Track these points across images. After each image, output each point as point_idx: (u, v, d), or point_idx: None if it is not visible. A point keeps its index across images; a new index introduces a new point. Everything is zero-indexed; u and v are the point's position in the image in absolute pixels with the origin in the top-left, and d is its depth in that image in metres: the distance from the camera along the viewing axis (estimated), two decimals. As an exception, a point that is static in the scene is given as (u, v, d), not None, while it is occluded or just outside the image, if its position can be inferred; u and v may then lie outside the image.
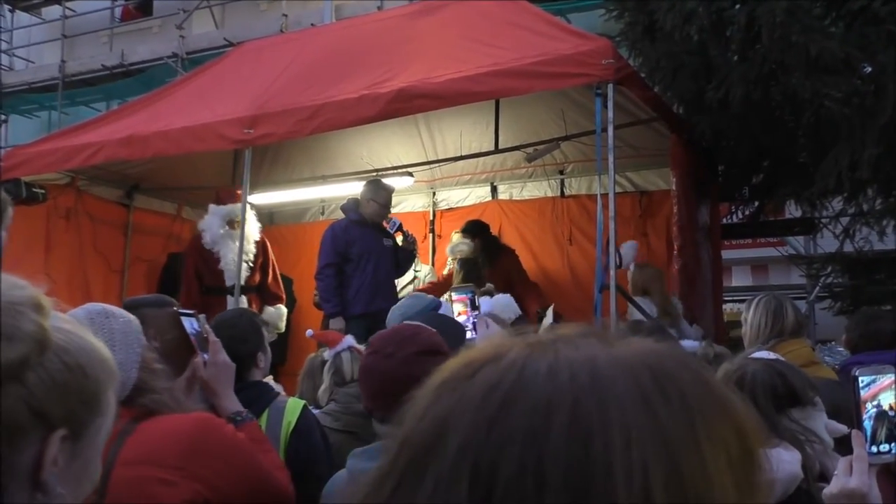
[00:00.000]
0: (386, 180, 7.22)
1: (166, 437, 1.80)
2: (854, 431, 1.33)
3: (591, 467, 0.49)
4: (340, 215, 8.23)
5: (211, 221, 6.22)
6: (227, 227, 6.17)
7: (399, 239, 6.23)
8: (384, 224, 6.11)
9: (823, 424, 2.22)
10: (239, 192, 6.17)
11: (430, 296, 3.64)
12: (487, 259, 6.55)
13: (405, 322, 2.33)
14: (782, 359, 2.52)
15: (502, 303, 4.33)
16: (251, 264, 6.23)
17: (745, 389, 2.21)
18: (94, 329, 1.79)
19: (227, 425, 2.00)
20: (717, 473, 0.52)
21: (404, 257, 6.25)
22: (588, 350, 0.57)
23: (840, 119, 4.58)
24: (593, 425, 0.51)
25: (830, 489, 1.33)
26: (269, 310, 6.50)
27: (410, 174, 7.18)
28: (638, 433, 0.50)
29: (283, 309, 6.60)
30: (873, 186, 5.35)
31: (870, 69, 4.61)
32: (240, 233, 5.84)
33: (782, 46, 4.56)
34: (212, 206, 6.37)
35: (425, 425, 0.56)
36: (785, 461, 2.08)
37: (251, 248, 6.14)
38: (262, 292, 6.54)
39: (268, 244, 6.50)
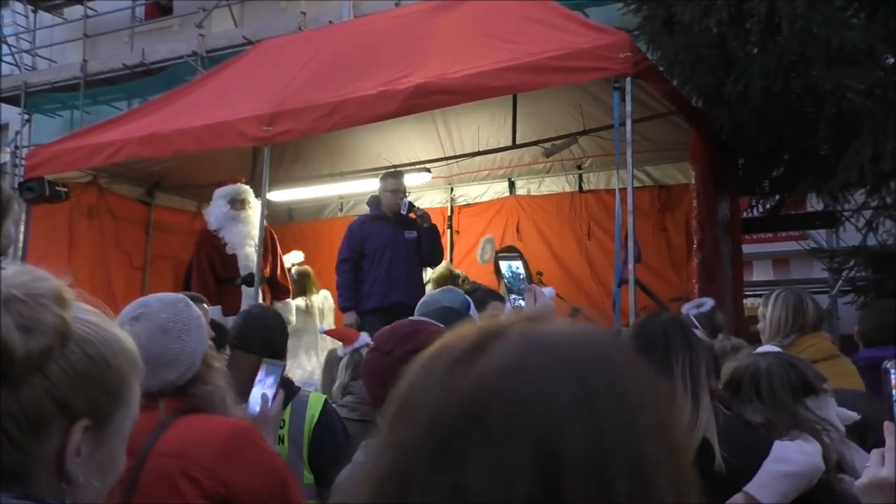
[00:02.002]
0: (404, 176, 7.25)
1: (204, 437, 1.82)
2: (887, 423, 1.33)
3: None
4: (358, 212, 8.30)
5: (214, 204, 6.12)
6: (229, 208, 6.04)
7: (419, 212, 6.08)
8: (402, 212, 5.94)
9: (835, 412, 2.27)
10: (240, 177, 6.20)
11: (460, 292, 3.60)
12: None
13: (410, 318, 2.33)
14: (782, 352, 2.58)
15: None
16: (256, 248, 6.12)
17: (763, 383, 2.25)
18: (176, 313, 1.88)
19: (265, 440, 2.02)
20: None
21: (427, 238, 6.08)
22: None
23: (862, 111, 4.53)
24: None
25: (862, 480, 1.33)
26: (278, 304, 6.44)
27: (428, 170, 7.18)
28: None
29: (292, 303, 6.55)
30: (896, 179, 5.30)
31: (892, 60, 4.56)
32: (243, 216, 5.87)
33: (803, 38, 4.52)
34: (215, 192, 6.22)
35: (460, 398, 0.57)
36: (808, 453, 2.10)
37: (255, 234, 6.05)
38: (271, 285, 6.48)
39: (275, 236, 6.44)
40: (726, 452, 2.07)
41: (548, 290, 4.33)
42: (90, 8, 13.09)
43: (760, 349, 2.71)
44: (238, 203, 6.06)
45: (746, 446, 2.16)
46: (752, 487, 2.08)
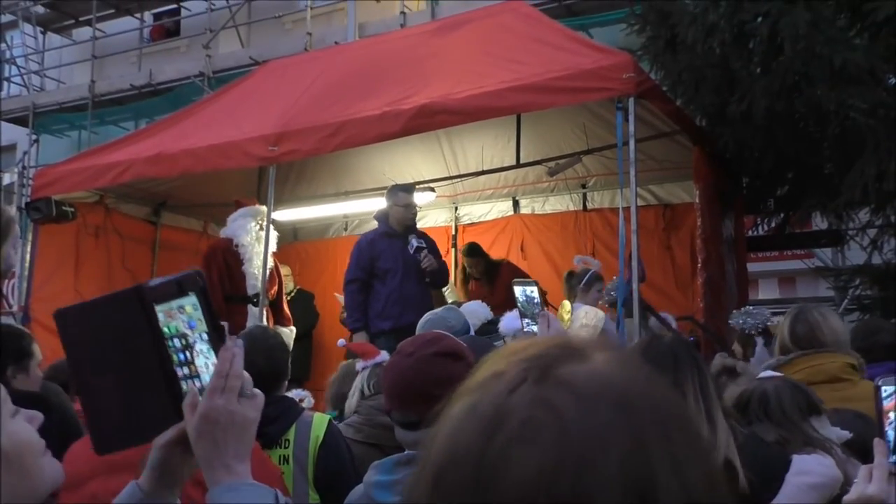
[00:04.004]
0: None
1: None
2: (876, 440, 1.35)
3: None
4: (363, 231, 8.31)
5: (242, 221, 6.01)
6: (258, 228, 5.97)
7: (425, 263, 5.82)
8: (410, 251, 5.77)
9: (833, 434, 2.31)
10: (255, 199, 6.19)
11: (461, 312, 3.61)
12: (488, 280, 6.57)
13: (432, 330, 2.35)
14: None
15: (471, 309, 4.32)
16: (269, 269, 6.09)
17: (773, 405, 2.28)
18: None
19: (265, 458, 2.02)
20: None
21: (432, 280, 5.93)
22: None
23: (866, 130, 4.54)
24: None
25: (850, 496, 1.34)
26: (283, 330, 6.36)
27: (432, 189, 7.21)
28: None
29: (289, 332, 6.47)
30: (900, 198, 5.30)
31: (895, 81, 4.58)
32: (263, 238, 5.84)
33: (805, 58, 4.55)
34: (239, 211, 6.12)
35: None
36: (828, 465, 2.13)
37: (270, 258, 6.05)
38: (274, 309, 6.42)
39: (277, 264, 6.39)
40: (747, 470, 2.07)
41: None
42: (98, 29, 13.22)
43: (761, 374, 2.71)
44: (262, 224, 6.00)
45: (767, 462, 2.16)
46: (779, 501, 2.08)
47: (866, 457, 1.44)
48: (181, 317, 1.07)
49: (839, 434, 2.37)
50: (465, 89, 4.90)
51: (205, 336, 1.07)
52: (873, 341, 3.32)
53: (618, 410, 0.57)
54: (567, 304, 4.03)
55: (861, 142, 4.64)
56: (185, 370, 1.09)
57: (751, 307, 5.00)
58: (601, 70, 4.54)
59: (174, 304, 1.07)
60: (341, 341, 4.24)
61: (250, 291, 5.94)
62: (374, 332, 5.73)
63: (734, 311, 4.97)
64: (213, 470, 1.05)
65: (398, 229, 5.80)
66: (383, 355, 3.56)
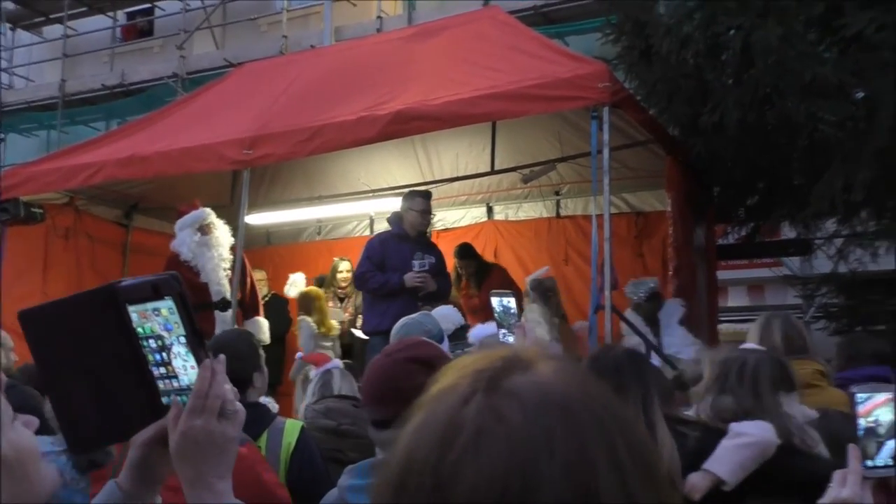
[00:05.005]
0: (382, 201, 7.28)
1: None
2: (851, 445, 1.40)
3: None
4: (337, 235, 8.31)
5: (183, 234, 5.94)
6: (199, 234, 5.91)
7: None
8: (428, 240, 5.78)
9: (800, 412, 2.44)
10: (197, 201, 6.10)
11: (436, 323, 3.64)
12: (477, 282, 6.59)
13: (419, 337, 2.39)
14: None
15: (443, 313, 4.35)
16: (227, 271, 5.97)
17: (748, 374, 2.40)
18: None
19: (264, 467, 2.02)
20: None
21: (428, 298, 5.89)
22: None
23: (834, 142, 4.64)
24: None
25: (825, 499, 1.38)
26: (248, 323, 6.31)
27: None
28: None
29: (263, 321, 6.45)
30: (867, 209, 5.41)
31: (863, 95, 4.68)
32: (212, 240, 5.78)
33: (777, 71, 4.62)
34: (178, 223, 6.07)
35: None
36: (762, 428, 2.24)
37: (227, 255, 5.98)
38: (241, 306, 6.37)
39: (246, 262, 6.38)
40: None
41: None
42: (70, 27, 13.06)
43: (744, 344, 2.84)
44: (206, 228, 5.92)
45: None
46: (707, 463, 2.17)
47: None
48: (157, 319, 1.06)
49: (805, 413, 2.48)
50: (442, 96, 4.92)
51: (182, 339, 1.06)
52: (859, 348, 3.58)
53: (560, 417, 0.60)
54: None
55: (829, 154, 4.73)
56: (162, 370, 1.08)
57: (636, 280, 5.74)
58: (577, 79, 4.58)
59: (149, 306, 1.06)
60: (299, 354, 4.29)
61: (215, 298, 5.87)
62: (369, 331, 5.72)
63: (627, 285, 5.62)
64: (194, 489, 1.06)
65: (411, 234, 5.81)
66: (333, 362, 3.65)
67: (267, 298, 7.18)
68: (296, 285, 7.19)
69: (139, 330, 1.07)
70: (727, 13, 4.85)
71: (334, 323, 6.86)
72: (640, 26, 5.56)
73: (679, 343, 5.06)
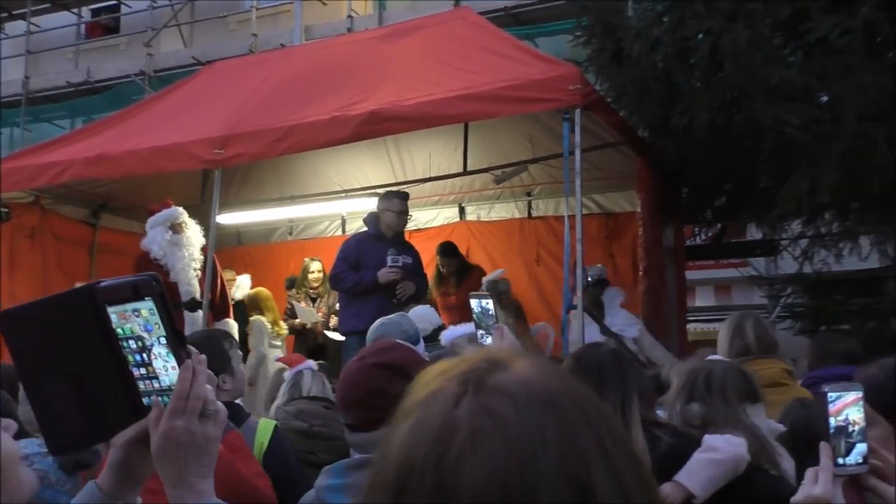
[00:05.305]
0: (355, 201, 7.27)
1: None
2: (822, 444, 1.44)
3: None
4: (308, 235, 8.28)
5: (154, 232, 5.87)
6: (171, 233, 5.85)
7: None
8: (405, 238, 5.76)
9: (765, 423, 2.52)
10: (170, 199, 6.04)
11: (412, 324, 3.66)
12: (457, 280, 6.63)
13: (392, 340, 2.40)
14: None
15: (420, 314, 4.37)
16: (198, 271, 5.91)
17: (716, 385, 2.45)
18: None
19: (246, 464, 2.01)
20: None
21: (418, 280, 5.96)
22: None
23: (799, 145, 4.74)
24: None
25: (797, 497, 1.42)
26: (217, 325, 6.26)
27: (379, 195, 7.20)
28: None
29: (232, 323, 6.41)
30: (831, 211, 5.53)
31: (826, 98, 4.78)
32: (184, 240, 5.72)
33: (744, 75, 4.71)
34: (150, 221, 6.00)
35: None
36: (734, 444, 2.30)
37: (198, 255, 5.93)
38: (212, 307, 6.31)
39: (217, 262, 6.31)
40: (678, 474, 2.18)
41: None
42: (33, 24, 12.83)
43: (711, 356, 2.90)
44: (177, 226, 5.86)
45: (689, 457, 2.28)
46: (680, 476, 2.23)
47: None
48: (137, 320, 1.06)
49: (772, 426, 2.55)
50: (415, 96, 4.92)
51: (163, 340, 1.07)
52: (831, 348, 3.67)
53: (548, 411, 0.63)
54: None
55: (795, 156, 4.83)
56: (143, 371, 1.08)
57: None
58: (549, 81, 4.61)
59: (129, 307, 1.06)
60: (275, 358, 4.29)
61: (184, 298, 5.81)
62: (346, 330, 5.70)
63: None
64: (176, 489, 1.07)
65: (387, 234, 5.79)
66: (306, 363, 3.66)
67: (235, 300, 7.14)
68: (242, 288, 7.18)
69: (119, 331, 1.07)
70: (696, 17, 4.93)
71: (284, 325, 6.86)
72: (610, 29, 5.63)
73: (622, 323, 5.34)
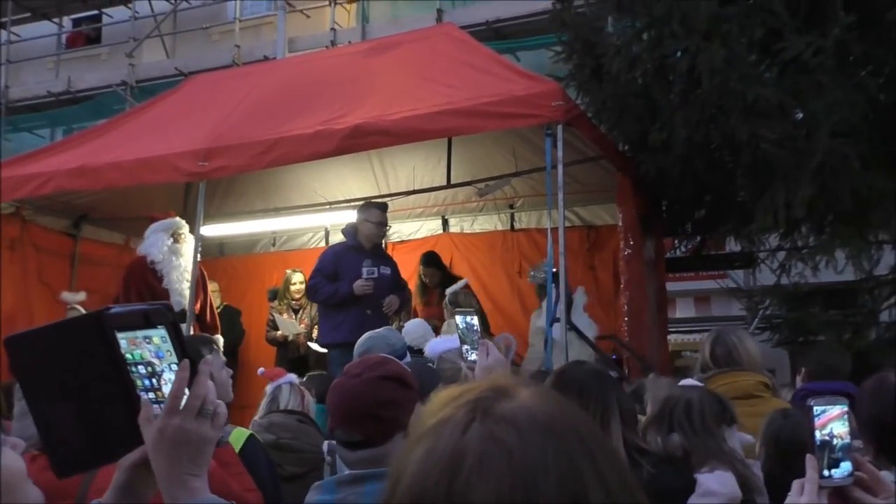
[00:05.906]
0: (338, 213, 7.29)
1: None
2: (808, 456, 1.46)
3: None
4: (292, 248, 8.28)
5: (155, 237, 5.97)
6: (172, 241, 5.95)
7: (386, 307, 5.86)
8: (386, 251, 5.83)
9: (738, 441, 2.55)
10: (172, 212, 6.11)
11: (401, 335, 3.70)
12: (440, 292, 6.67)
13: (379, 354, 2.43)
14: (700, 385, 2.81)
15: (407, 329, 4.41)
16: (188, 283, 6.00)
17: (695, 414, 2.46)
18: None
19: (230, 473, 2.02)
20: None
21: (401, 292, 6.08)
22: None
23: (775, 160, 4.84)
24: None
25: None
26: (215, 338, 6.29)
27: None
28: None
29: (219, 338, 6.43)
30: (807, 224, 5.64)
31: (801, 115, 4.89)
32: (182, 250, 5.77)
33: (721, 92, 4.81)
34: (152, 226, 6.11)
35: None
36: (727, 484, 2.29)
37: (190, 269, 5.96)
38: (200, 322, 6.34)
39: (204, 273, 6.31)
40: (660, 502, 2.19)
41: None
42: (13, 33, 12.76)
43: (683, 382, 2.93)
44: (178, 236, 5.97)
45: (674, 489, 2.29)
46: None
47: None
48: (147, 346, 1.09)
49: (743, 439, 2.62)
50: (398, 111, 4.97)
51: (174, 367, 1.09)
52: (828, 364, 3.72)
53: (549, 436, 0.69)
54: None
55: (771, 171, 4.93)
56: (152, 395, 1.11)
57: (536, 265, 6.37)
58: (531, 97, 4.68)
59: (140, 333, 1.09)
60: (261, 370, 4.30)
61: (175, 308, 5.82)
62: (326, 343, 5.70)
63: (529, 269, 6.49)
64: (169, 485, 1.09)
65: (366, 245, 5.84)
66: (287, 377, 3.69)
67: (220, 310, 7.13)
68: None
69: (128, 356, 1.09)
70: (674, 36, 5.03)
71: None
72: (590, 46, 5.72)
73: (583, 325, 5.37)
